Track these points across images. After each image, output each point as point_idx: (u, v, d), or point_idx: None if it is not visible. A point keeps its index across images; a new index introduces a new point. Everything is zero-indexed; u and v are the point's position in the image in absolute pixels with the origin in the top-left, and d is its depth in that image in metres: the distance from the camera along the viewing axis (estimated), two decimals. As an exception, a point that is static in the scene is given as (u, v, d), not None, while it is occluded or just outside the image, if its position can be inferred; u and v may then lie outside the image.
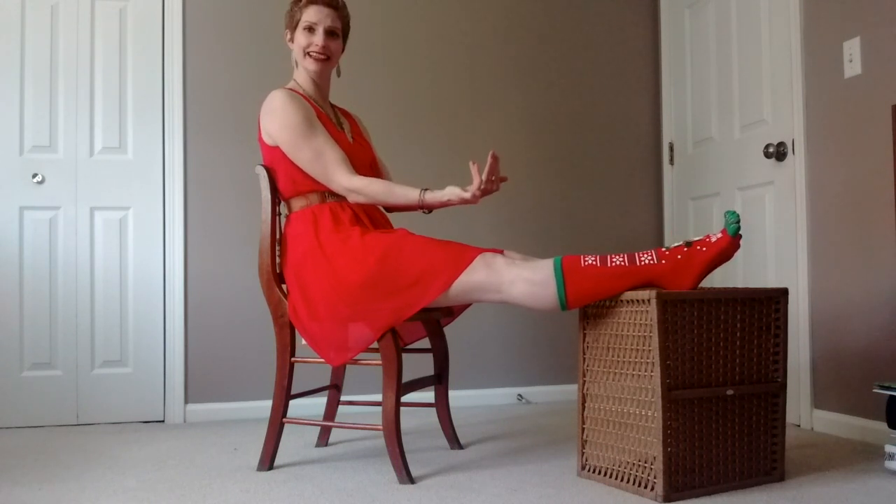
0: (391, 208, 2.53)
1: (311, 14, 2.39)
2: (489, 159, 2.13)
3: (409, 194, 2.23)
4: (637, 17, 3.95)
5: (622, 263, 2.05)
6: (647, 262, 2.03)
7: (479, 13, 3.76)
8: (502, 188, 3.73)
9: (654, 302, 1.94)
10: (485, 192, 2.15)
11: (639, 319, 2.00)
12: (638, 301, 2.00)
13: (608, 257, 2.07)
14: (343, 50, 2.49)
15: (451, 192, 2.17)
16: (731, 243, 2.01)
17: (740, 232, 2.06)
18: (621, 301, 2.06)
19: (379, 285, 2.16)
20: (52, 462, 2.53)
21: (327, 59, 2.42)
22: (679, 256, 2.02)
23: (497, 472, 2.30)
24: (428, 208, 2.26)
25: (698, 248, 2.02)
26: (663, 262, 2.03)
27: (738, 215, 2.01)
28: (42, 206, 3.28)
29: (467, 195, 2.15)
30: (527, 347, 3.73)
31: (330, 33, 2.41)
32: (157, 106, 3.39)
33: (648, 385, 1.98)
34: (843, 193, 2.78)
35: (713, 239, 2.03)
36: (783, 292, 2.13)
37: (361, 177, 2.29)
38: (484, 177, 2.12)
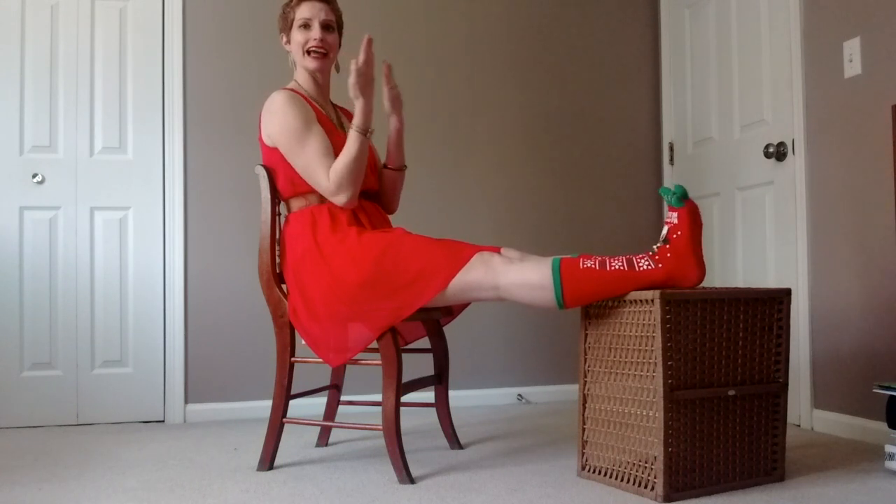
0: (375, 182, 2.51)
1: (304, 11, 2.40)
2: (364, 42, 2.21)
3: (351, 137, 2.25)
4: (637, 17, 3.95)
5: (621, 268, 2.04)
6: (645, 267, 2.03)
7: (479, 13, 3.76)
8: (501, 186, 3.73)
9: (657, 302, 1.94)
10: (362, 79, 2.22)
11: (641, 319, 2.00)
12: (641, 301, 2.00)
13: (607, 261, 2.06)
14: (340, 44, 2.49)
15: (352, 93, 2.23)
16: (687, 211, 2.03)
17: (686, 198, 2.06)
18: (624, 301, 2.06)
19: (377, 285, 2.16)
20: (52, 462, 2.53)
21: (326, 54, 2.42)
22: (669, 255, 2.03)
23: (497, 472, 2.30)
24: (366, 128, 2.26)
25: (674, 236, 2.04)
26: (660, 265, 2.03)
27: (669, 189, 2.03)
28: (42, 206, 3.28)
29: (352, 74, 2.20)
30: (527, 347, 3.73)
31: (326, 27, 2.41)
32: (157, 106, 3.39)
33: (650, 385, 1.98)
34: (843, 193, 2.78)
35: (674, 220, 2.05)
36: (786, 292, 2.12)
37: (330, 170, 2.27)
38: (356, 63, 2.20)
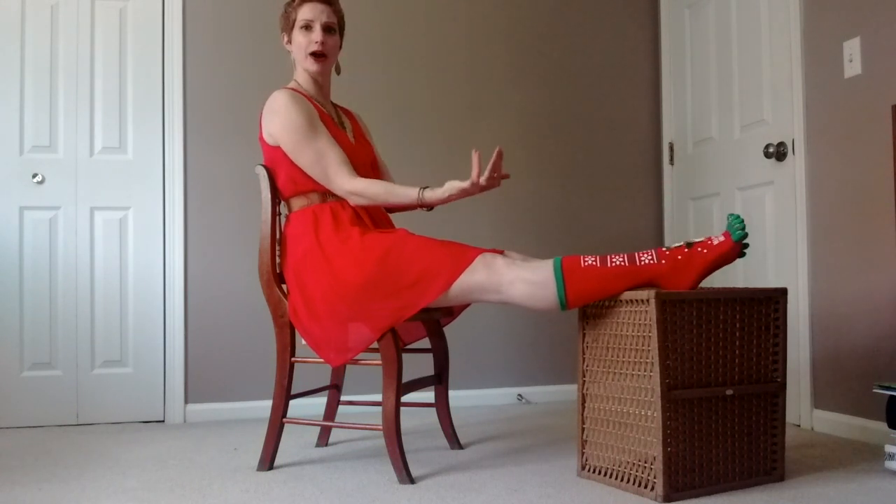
0: (392, 208, 2.53)
1: (305, 12, 2.40)
2: (494, 155, 2.12)
3: (409, 193, 2.23)
4: (637, 17, 3.95)
5: (622, 263, 2.05)
6: (647, 262, 2.04)
7: (479, 13, 3.76)
8: (503, 186, 3.74)
9: (653, 302, 1.94)
10: (486, 186, 2.15)
11: (638, 319, 2.00)
12: (637, 301, 2.00)
13: (608, 257, 2.07)
14: (340, 46, 2.49)
15: (450, 187, 2.16)
16: (732, 248, 2.00)
17: (746, 240, 2.05)
18: (620, 301, 2.06)
19: (379, 286, 2.16)
20: (52, 462, 2.53)
21: (327, 56, 2.42)
22: (679, 257, 2.02)
23: (497, 472, 2.30)
24: (428, 206, 2.26)
25: (699, 249, 2.02)
26: (663, 262, 2.03)
27: (742, 220, 2.00)
28: (42, 206, 3.28)
29: (466, 185, 2.13)
30: (527, 347, 3.73)
31: (327, 29, 2.41)
32: (157, 106, 3.39)
33: (648, 385, 1.98)
34: (843, 193, 2.78)
35: (715, 242, 2.02)
36: (782, 292, 2.13)
37: (362, 179, 2.29)
38: (487, 172, 2.12)
